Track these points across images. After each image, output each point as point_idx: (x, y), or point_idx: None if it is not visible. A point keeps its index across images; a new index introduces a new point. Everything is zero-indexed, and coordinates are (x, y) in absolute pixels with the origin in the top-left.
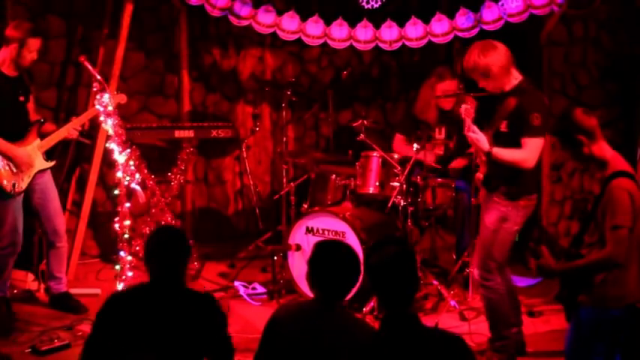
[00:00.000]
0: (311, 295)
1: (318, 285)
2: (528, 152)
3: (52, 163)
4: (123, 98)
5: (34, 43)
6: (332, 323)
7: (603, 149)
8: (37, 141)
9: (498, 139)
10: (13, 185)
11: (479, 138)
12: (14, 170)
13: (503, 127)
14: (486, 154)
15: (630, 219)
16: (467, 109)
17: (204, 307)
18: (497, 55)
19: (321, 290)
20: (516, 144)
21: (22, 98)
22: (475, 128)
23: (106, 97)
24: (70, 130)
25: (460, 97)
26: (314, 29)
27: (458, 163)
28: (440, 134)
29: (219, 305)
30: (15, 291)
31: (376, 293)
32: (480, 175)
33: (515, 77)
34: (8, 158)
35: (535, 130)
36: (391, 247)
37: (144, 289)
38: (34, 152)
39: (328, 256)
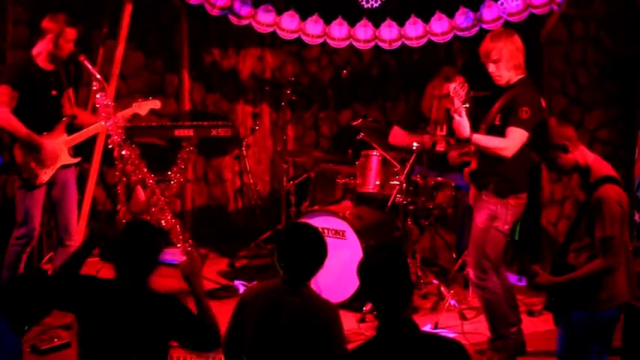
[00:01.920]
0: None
1: (283, 265)
2: (509, 141)
3: (77, 159)
4: (157, 104)
5: (71, 33)
6: (295, 303)
7: (584, 155)
8: (65, 136)
9: (492, 133)
10: (36, 177)
11: (461, 122)
12: (38, 162)
13: (497, 120)
14: (466, 140)
15: (619, 227)
16: (455, 90)
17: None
18: (510, 42)
19: (286, 270)
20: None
21: (54, 92)
22: (462, 112)
23: (107, 98)
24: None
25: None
26: (314, 28)
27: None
28: (441, 131)
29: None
30: None
31: (369, 298)
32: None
33: (517, 75)
34: (34, 150)
35: (520, 122)
36: (383, 252)
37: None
38: (59, 147)
39: (292, 237)
